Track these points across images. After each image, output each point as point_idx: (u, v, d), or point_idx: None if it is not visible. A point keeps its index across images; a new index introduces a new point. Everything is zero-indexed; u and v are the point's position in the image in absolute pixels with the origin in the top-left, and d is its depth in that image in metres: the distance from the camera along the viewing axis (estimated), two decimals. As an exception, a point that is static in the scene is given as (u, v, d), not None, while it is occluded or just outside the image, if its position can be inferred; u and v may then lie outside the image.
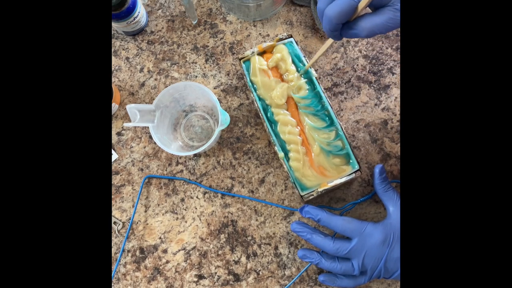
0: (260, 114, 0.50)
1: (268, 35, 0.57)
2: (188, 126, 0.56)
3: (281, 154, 0.48)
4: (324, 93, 0.50)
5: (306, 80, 0.50)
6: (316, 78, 0.50)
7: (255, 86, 0.51)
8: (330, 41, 0.44)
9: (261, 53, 0.52)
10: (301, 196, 0.48)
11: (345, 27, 0.38)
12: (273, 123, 0.50)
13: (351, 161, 0.48)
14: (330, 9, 0.36)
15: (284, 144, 0.49)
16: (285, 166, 0.48)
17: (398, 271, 0.45)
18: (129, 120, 0.55)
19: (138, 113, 0.45)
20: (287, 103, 0.50)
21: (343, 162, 0.48)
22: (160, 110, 0.48)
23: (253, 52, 0.51)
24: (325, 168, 0.48)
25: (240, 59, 0.51)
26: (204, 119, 0.56)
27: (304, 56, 0.51)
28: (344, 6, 0.36)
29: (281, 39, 0.52)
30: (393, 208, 0.46)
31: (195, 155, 0.54)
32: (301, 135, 0.49)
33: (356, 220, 0.46)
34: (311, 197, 0.48)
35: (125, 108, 0.56)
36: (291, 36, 0.52)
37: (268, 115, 0.50)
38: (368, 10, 0.38)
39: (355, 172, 0.48)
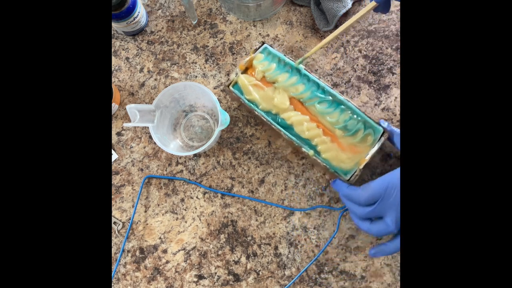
0: (274, 127, 0.49)
1: (268, 35, 0.57)
2: (188, 126, 0.56)
3: (310, 152, 0.48)
4: (319, 78, 0.50)
5: (297, 76, 0.50)
6: (304, 69, 0.50)
7: (255, 103, 0.50)
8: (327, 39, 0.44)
9: (245, 71, 0.51)
10: (348, 180, 0.48)
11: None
12: (288, 128, 0.49)
13: (373, 128, 0.48)
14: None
15: (308, 142, 0.49)
16: (320, 161, 0.48)
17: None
18: (129, 120, 0.55)
19: (138, 113, 0.45)
20: (292, 104, 0.50)
21: (367, 132, 0.49)
22: (160, 110, 0.48)
23: (236, 74, 0.51)
24: (354, 145, 0.48)
25: (228, 86, 0.51)
26: (204, 119, 0.56)
27: (286, 55, 0.51)
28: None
29: (256, 50, 0.51)
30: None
31: (195, 155, 0.54)
32: (319, 126, 0.49)
33: (373, 182, 0.45)
34: (356, 177, 0.48)
35: (125, 108, 0.56)
36: (264, 43, 0.52)
37: (280, 121, 0.49)
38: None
39: (382, 135, 0.48)
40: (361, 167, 0.47)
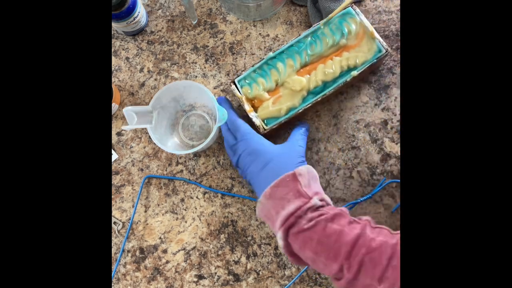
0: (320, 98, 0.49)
1: (268, 35, 0.57)
2: (187, 126, 0.56)
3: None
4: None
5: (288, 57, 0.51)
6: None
7: (291, 109, 0.50)
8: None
9: (253, 107, 0.51)
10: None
11: None
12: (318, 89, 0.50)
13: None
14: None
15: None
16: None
17: (248, 182, 0.47)
18: (129, 120, 0.55)
19: (136, 116, 0.45)
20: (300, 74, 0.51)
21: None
22: (157, 111, 0.48)
23: (257, 116, 0.51)
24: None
25: (264, 130, 0.50)
26: (203, 119, 0.56)
27: (265, 54, 0.52)
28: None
29: (237, 89, 0.51)
30: (287, 142, 0.48)
31: (195, 155, 0.54)
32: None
33: (244, 126, 0.48)
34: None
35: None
36: (233, 81, 0.51)
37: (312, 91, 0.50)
38: None
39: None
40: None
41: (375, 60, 0.49)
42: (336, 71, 0.49)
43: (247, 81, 0.51)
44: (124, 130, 0.55)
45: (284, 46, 0.51)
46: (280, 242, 0.42)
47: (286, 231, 0.42)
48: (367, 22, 0.50)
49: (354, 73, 0.49)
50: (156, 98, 0.47)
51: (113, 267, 0.52)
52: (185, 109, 0.56)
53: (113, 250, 0.52)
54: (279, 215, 0.42)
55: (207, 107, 0.55)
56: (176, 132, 0.55)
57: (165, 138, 0.51)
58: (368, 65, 0.48)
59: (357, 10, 0.50)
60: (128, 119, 0.45)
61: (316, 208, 0.42)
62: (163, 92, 0.47)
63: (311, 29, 0.50)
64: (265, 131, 0.49)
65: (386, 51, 0.49)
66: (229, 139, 0.48)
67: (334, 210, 0.42)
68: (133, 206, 0.53)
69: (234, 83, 0.51)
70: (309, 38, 0.50)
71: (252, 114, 0.50)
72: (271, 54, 0.50)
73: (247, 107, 0.50)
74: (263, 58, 0.51)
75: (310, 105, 0.49)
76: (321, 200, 0.43)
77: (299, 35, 0.50)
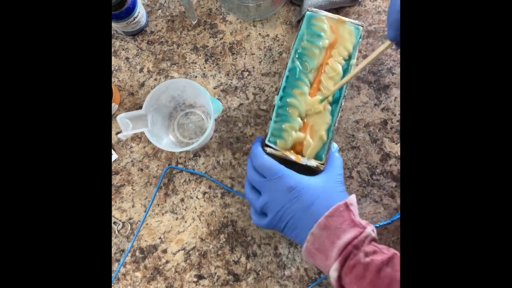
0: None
1: (268, 35, 0.57)
2: (183, 125, 0.56)
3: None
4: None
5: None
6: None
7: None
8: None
9: (293, 149, 0.48)
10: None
11: None
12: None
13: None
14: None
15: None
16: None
17: (291, 227, 0.44)
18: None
19: (130, 122, 0.45)
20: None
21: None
22: (151, 114, 0.48)
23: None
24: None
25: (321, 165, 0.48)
26: (200, 117, 0.56)
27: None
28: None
29: (266, 145, 0.48)
30: (325, 173, 0.46)
31: (194, 155, 0.54)
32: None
33: (276, 163, 0.45)
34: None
35: (125, 108, 0.56)
36: (264, 141, 0.48)
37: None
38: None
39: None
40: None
41: (360, 39, 0.49)
42: (338, 70, 0.49)
43: (276, 134, 0.48)
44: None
45: (282, 81, 0.49)
46: (334, 274, 0.41)
47: (343, 261, 0.40)
48: (329, 14, 0.50)
49: (353, 61, 0.48)
50: (147, 102, 0.47)
51: (114, 267, 0.52)
52: (182, 108, 0.56)
53: (113, 250, 0.52)
54: (335, 245, 0.40)
55: (205, 107, 0.56)
56: (171, 131, 0.55)
57: (160, 137, 0.51)
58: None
59: (313, 9, 0.50)
60: (123, 127, 0.45)
61: (371, 239, 0.41)
62: (154, 93, 0.47)
63: (292, 53, 0.49)
64: (323, 163, 0.47)
65: (362, 26, 0.49)
66: (255, 177, 0.45)
67: (389, 252, 0.40)
68: (133, 206, 0.53)
69: (267, 145, 0.47)
70: (296, 61, 0.49)
71: (303, 161, 0.47)
72: (276, 97, 0.48)
73: (293, 157, 0.47)
74: (274, 105, 0.48)
75: (341, 111, 0.48)
76: (373, 230, 0.42)
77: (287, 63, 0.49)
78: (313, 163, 0.47)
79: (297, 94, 0.48)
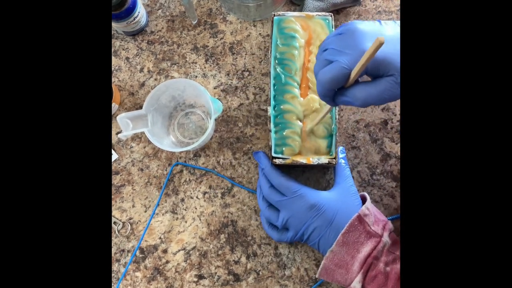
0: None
1: (268, 35, 0.57)
2: (184, 125, 0.56)
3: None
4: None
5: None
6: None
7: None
8: (328, 107, 0.43)
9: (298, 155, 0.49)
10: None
11: (338, 93, 0.36)
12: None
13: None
14: (322, 74, 0.35)
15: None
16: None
17: (314, 240, 0.45)
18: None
19: (130, 122, 0.45)
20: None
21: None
22: (151, 114, 0.48)
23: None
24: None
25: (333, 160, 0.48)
26: (200, 117, 0.56)
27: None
28: (336, 72, 0.34)
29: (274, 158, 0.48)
30: (339, 186, 0.47)
31: (195, 155, 0.54)
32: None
33: (293, 181, 0.46)
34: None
35: (125, 108, 0.56)
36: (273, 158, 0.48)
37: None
38: (367, 78, 0.36)
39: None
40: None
41: (332, 29, 0.50)
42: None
43: (280, 143, 0.48)
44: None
45: (270, 90, 0.49)
46: (358, 286, 0.42)
47: (365, 273, 0.42)
48: (296, 13, 0.50)
49: None
50: (147, 102, 0.47)
51: (114, 267, 0.52)
52: (183, 108, 0.56)
53: (113, 250, 0.52)
54: (356, 258, 0.43)
55: (205, 107, 0.56)
56: (172, 131, 0.55)
57: (161, 137, 0.51)
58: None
59: (280, 13, 0.50)
60: (123, 127, 0.45)
61: (389, 245, 0.43)
62: (152, 96, 0.47)
63: (271, 60, 0.49)
64: (334, 157, 0.47)
65: (331, 16, 0.50)
66: (274, 196, 0.46)
67: None
68: (133, 206, 0.53)
69: (274, 158, 0.47)
70: (278, 67, 0.49)
71: (314, 160, 0.47)
72: (269, 108, 0.48)
73: (304, 160, 0.47)
74: (269, 117, 0.48)
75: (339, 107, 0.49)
76: (390, 230, 0.44)
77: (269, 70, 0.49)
78: (324, 160, 0.47)
79: (289, 98, 0.48)
